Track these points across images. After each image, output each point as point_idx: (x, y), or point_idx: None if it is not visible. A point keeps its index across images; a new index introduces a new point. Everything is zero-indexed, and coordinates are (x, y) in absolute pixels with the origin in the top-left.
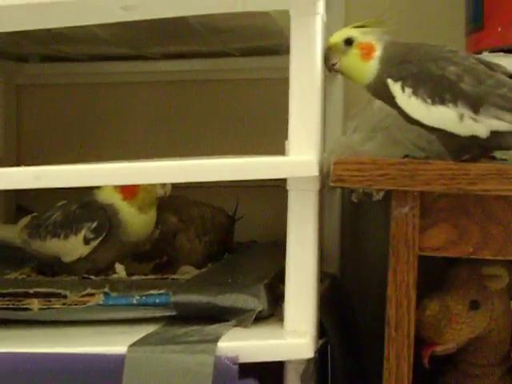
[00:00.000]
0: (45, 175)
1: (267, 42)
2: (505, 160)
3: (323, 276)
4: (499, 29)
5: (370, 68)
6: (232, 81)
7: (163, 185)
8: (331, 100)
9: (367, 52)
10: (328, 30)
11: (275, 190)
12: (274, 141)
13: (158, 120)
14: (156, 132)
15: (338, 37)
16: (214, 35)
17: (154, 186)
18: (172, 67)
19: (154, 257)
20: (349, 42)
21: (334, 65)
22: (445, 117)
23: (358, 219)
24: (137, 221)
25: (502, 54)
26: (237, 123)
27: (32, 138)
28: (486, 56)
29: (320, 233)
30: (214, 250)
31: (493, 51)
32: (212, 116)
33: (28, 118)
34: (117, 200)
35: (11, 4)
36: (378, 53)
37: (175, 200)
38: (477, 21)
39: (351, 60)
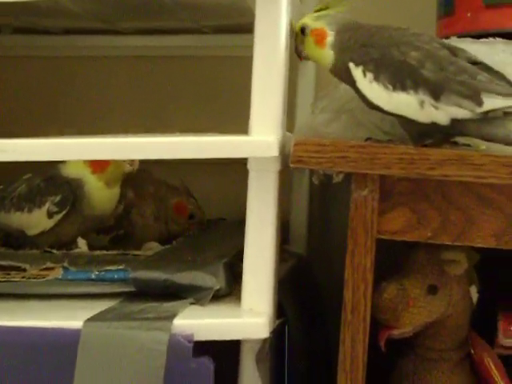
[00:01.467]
0: (11, 148)
1: (237, 19)
2: (468, 145)
3: (288, 256)
4: (468, 14)
5: (325, 53)
6: (203, 58)
7: (132, 161)
8: (303, 80)
9: (320, 38)
10: (302, 14)
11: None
12: (243, 118)
13: (129, 94)
14: (128, 106)
15: (297, 26)
16: (185, 11)
17: (123, 161)
18: (144, 42)
19: (112, 229)
20: (303, 30)
21: (301, 53)
22: (405, 103)
23: (325, 200)
24: (103, 195)
25: (469, 39)
26: (207, 99)
27: (4, 110)
28: (454, 41)
29: (279, 213)
30: (174, 229)
31: (461, 36)
32: (182, 92)
33: (1, 92)
34: (85, 173)
35: None
36: (330, 38)
37: (135, 175)
38: (447, 6)
39: (309, 47)
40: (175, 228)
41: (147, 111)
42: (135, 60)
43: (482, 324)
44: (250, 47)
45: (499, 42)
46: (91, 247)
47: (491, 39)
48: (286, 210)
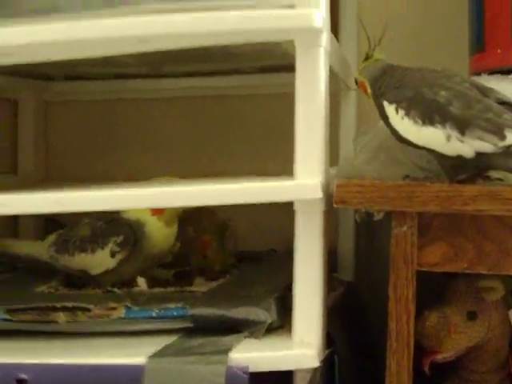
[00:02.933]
0: (65, 201)
1: (279, 61)
2: (499, 180)
3: (337, 284)
4: (498, 51)
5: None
6: (245, 96)
7: None
8: (345, 115)
9: (364, 90)
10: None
11: None
12: (288, 152)
13: (176, 134)
14: (175, 145)
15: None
16: (230, 57)
17: None
18: (189, 84)
19: (176, 265)
20: (355, 82)
21: None
22: (433, 137)
23: (371, 229)
24: (162, 234)
25: (499, 75)
26: (251, 137)
27: (59, 151)
28: (484, 78)
29: (326, 249)
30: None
31: (492, 72)
32: (227, 130)
33: (55, 133)
34: (146, 215)
35: (42, 41)
36: (369, 90)
37: (194, 212)
38: (479, 42)
39: (358, 93)
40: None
41: (193, 149)
42: (180, 100)
43: None
44: (292, 84)
45: None
46: (152, 282)
47: None
48: (333, 240)
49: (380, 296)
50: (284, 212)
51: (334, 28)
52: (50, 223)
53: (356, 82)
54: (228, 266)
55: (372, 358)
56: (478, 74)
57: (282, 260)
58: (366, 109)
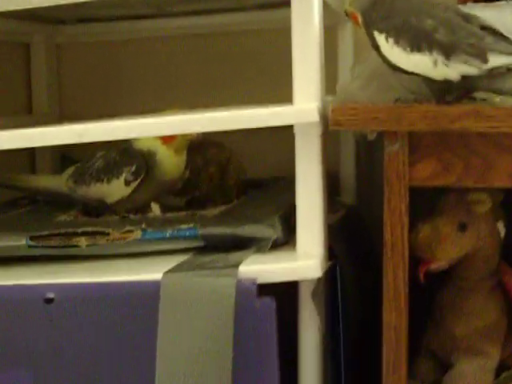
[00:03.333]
0: (87, 132)
1: None
2: (484, 100)
3: (339, 206)
4: None
5: (362, 30)
6: (248, 31)
7: None
8: (342, 46)
9: (355, 21)
10: None
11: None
12: (286, 85)
13: (182, 70)
14: (182, 80)
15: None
16: None
17: None
18: (192, 22)
19: (187, 192)
20: (346, 13)
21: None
22: (422, 63)
23: (371, 153)
24: (173, 162)
25: (482, 4)
26: (253, 70)
27: (72, 92)
28: (469, 6)
29: (324, 170)
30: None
31: (476, 1)
32: (232, 64)
33: (67, 75)
34: (157, 145)
35: None
36: (360, 19)
37: (201, 143)
38: None
39: (353, 25)
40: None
41: (199, 84)
42: (186, 38)
43: None
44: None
45: (510, 4)
46: (166, 209)
47: (502, 2)
48: (335, 165)
49: (380, 216)
50: (290, 141)
51: None
52: (65, 160)
53: (347, 14)
54: (231, 195)
55: (373, 271)
56: (465, 2)
57: (287, 185)
58: (363, 40)
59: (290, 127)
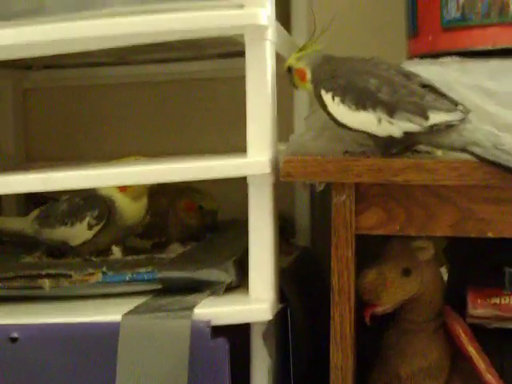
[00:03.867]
0: (50, 180)
1: (234, 48)
2: (428, 153)
3: (294, 248)
4: (430, 37)
5: (308, 86)
6: (206, 80)
7: None
8: (298, 97)
9: (302, 76)
10: (292, 42)
11: None
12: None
13: (143, 116)
14: (143, 124)
15: (285, 66)
16: (190, 47)
17: None
18: (153, 70)
19: (153, 235)
20: (289, 69)
21: (293, 85)
22: (366, 120)
23: (324, 197)
24: (131, 208)
25: (429, 60)
26: (213, 117)
27: (38, 135)
28: (415, 62)
29: (276, 218)
30: (193, 223)
31: (424, 56)
32: (191, 112)
33: (34, 118)
34: (114, 193)
35: (28, 40)
36: (308, 76)
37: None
38: (413, 28)
39: (296, 82)
40: (194, 222)
41: (158, 129)
42: (148, 85)
43: (456, 299)
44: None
45: (454, 61)
46: (127, 251)
47: (448, 59)
48: (290, 208)
49: None
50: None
51: (286, 18)
52: (34, 197)
53: (290, 70)
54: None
55: (326, 312)
56: (412, 58)
57: (241, 229)
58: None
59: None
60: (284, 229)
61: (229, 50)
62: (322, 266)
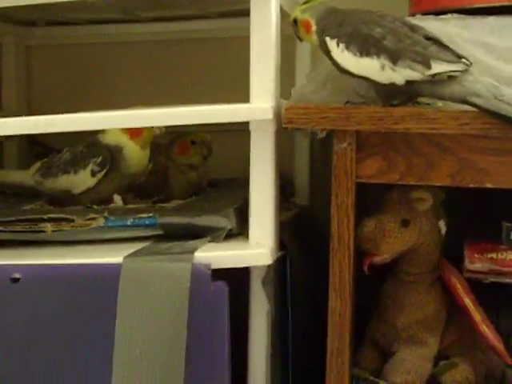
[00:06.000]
0: (53, 122)
1: (238, 6)
2: (428, 104)
3: (293, 206)
4: None
5: (313, 38)
6: (210, 39)
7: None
8: (300, 54)
9: (307, 28)
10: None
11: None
12: (245, 90)
13: (147, 74)
14: (146, 84)
15: (291, 18)
16: (194, 3)
17: (153, 126)
18: (158, 29)
19: (153, 194)
20: (295, 21)
21: (298, 37)
22: (369, 67)
23: (325, 155)
24: (138, 156)
25: (431, 16)
26: (215, 76)
27: (40, 91)
28: (418, 18)
29: (277, 167)
30: (196, 161)
31: (425, 13)
32: (195, 70)
33: (36, 75)
34: (124, 139)
35: None
36: (313, 27)
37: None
38: None
39: (301, 34)
40: (196, 160)
41: (164, 88)
42: (151, 44)
43: (453, 253)
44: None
45: (454, 17)
46: (127, 202)
47: (448, 15)
48: (290, 168)
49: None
50: (244, 147)
51: None
52: (37, 147)
53: (295, 22)
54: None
55: (324, 269)
56: (415, 14)
57: (242, 183)
58: (320, 50)
59: (245, 133)
60: (283, 188)
61: (232, 8)
62: (320, 226)
